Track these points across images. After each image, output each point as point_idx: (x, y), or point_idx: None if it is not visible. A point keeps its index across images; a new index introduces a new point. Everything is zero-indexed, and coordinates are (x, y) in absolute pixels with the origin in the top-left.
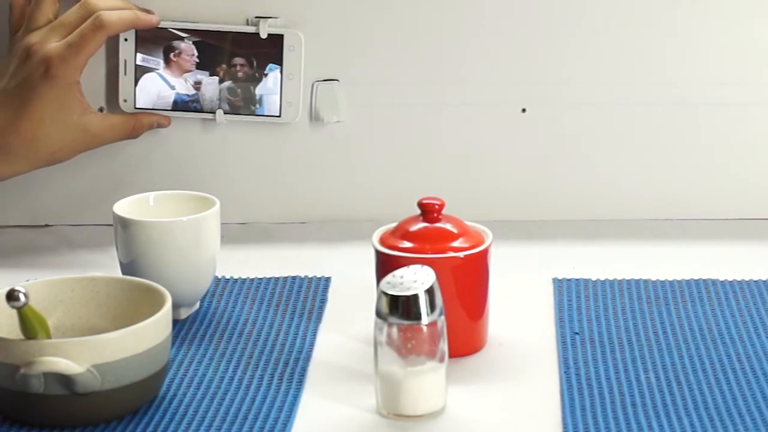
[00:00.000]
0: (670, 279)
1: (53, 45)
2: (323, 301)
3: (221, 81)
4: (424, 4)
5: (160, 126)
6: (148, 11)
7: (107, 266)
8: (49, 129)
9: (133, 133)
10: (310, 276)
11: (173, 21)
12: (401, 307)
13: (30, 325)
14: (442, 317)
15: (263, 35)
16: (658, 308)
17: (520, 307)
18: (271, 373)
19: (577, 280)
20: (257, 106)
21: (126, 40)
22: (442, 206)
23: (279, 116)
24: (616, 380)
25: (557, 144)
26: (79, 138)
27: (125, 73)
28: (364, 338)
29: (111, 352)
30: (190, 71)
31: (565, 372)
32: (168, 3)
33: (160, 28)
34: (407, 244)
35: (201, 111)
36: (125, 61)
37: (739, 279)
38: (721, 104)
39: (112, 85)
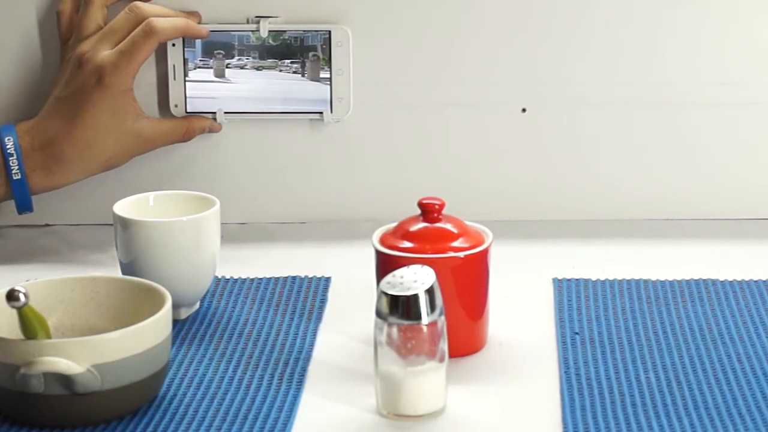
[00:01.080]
0: (670, 279)
1: (105, 53)
2: (323, 301)
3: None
4: (424, 4)
5: (212, 131)
6: (194, 13)
7: (107, 266)
8: (104, 137)
9: (185, 138)
10: (310, 276)
11: (219, 23)
12: (401, 307)
13: (30, 325)
14: (442, 317)
15: (263, 34)
16: (658, 308)
17: (520, 307)
18: (271, 373)
19: (577, 280)
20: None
21: (174, 45)
22: (442, 206)
23: (330, 112)
24: (616, 380)
25: (557, 144)
26: (132, 143)
27: (174, 78)
28: (364, 338)
29: (111, 352)
30: (240, 71)
31: (565, 372)
32: (210, 6)
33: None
34: (407, 244)
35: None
36: (174, 66)
37: (739, 279)
38: (721, 104)
39: (163, 90)
